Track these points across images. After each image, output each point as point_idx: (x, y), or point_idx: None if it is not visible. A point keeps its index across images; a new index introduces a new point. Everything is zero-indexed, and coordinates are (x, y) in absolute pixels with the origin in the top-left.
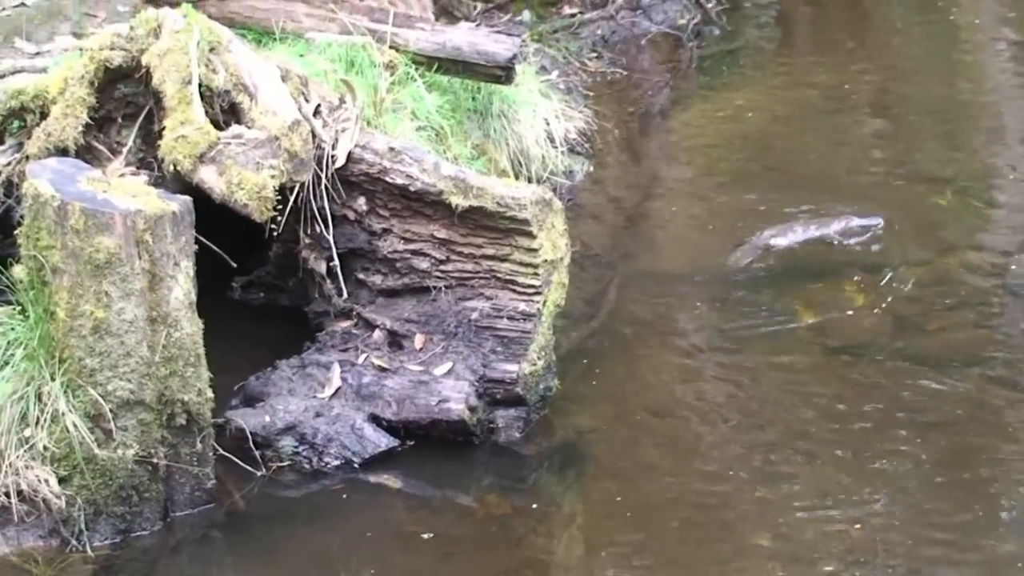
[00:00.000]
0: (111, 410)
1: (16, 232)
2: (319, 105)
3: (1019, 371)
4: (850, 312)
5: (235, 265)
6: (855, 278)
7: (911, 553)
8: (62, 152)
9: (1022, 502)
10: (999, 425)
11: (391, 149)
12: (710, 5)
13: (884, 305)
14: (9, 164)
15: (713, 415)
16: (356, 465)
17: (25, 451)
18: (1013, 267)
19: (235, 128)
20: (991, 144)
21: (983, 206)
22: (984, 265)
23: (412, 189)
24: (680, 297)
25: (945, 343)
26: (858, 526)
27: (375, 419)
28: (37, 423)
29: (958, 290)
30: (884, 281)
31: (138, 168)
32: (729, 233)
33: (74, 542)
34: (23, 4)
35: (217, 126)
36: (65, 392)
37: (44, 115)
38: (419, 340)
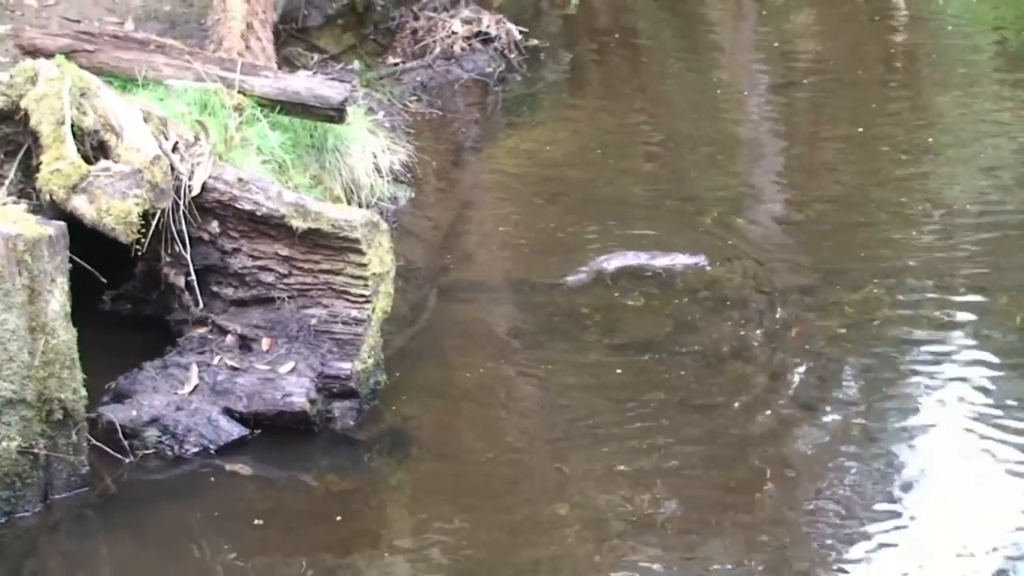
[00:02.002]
0: None
1: None
2: (177, 142)
3: (775, 361)
4: (632, 312)
5: (105, 280)
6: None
7: (686, 517)
8: None
9: (776, 471)
10: (758, 407)
11: (240, 179)
12: (513, 55)
13: (660, 306)
14: None
15: (519, 403)
16: (212, 452)
17: None
18: (765, 274)
19: (103, 162)
20: (749, 171)
21: (743, 223)
22: (745, 273)
23: (258, 213)
24: (490, 303)
25: (713, 339)
26: (642, 495)
27: (228, 412)
28: None
29: (724, 294)
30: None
31: (18, 198)
32: (531, 248)
33: None
34: None
35: (88, 161)
36: None
37: None
38: (266, 343)
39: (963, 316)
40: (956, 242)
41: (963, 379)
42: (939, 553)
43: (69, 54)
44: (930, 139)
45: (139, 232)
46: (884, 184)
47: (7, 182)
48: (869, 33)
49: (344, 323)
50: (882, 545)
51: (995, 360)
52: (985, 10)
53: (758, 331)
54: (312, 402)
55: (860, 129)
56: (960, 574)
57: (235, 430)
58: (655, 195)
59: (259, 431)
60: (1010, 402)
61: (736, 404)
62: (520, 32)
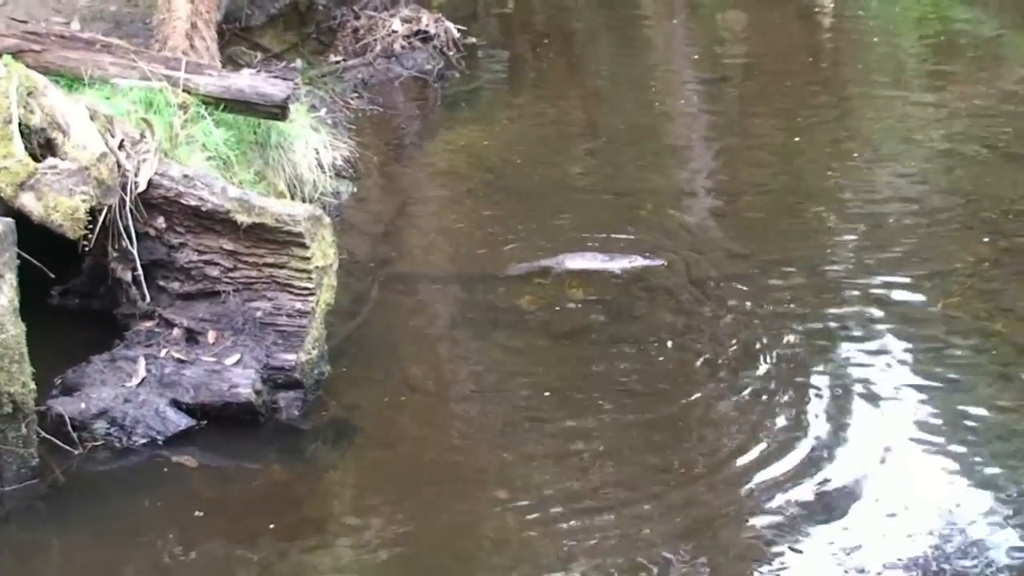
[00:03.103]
0: None
1: None
2: (123, 140)
3: (709, 347)
4: (570, 304)
5: (53, 276)
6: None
7: (624, 500)
8: None
9: (711, 454)
10: (694, 393)
11: (185, 176)
12: (451, 53)
13: (597, 296)
14: None
15: (460, 391)
16: (160, 442)
17: None
18: (699, 264)
19: (51, 160)
20: (682, 164)
21: (677, 214)
22: (678, 263)
23: (204, 209)
24: (431, 294)
25: (647, 327)
26: (582, 480)
27: (176, 403)
28: None
29: (660, 284)
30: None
31: None
32: (470, 240)
33: None
34: None
35: (35, 158)
36: None
37: None
38: (212, 336)
39: (889, 301)
40: (881, 230)
41: (890, 363)
42: (868, 532)
43: (16, 54)
44: (856, 131)
45: (86, 228)
46: (811, 175)
47: None
48: (797, 30)
49: (288, 315)
50: (815, 523)
51: (920, 344)
52: (910, 6)
53: (693, 319)
54: (258, 393)
55: (788, 122)
56: (889, 550)
57: (182, 421)
58: (591, 188)
59: (206, 422)
60: (934, 384)
61: (672, 390)
62: (458, 30)
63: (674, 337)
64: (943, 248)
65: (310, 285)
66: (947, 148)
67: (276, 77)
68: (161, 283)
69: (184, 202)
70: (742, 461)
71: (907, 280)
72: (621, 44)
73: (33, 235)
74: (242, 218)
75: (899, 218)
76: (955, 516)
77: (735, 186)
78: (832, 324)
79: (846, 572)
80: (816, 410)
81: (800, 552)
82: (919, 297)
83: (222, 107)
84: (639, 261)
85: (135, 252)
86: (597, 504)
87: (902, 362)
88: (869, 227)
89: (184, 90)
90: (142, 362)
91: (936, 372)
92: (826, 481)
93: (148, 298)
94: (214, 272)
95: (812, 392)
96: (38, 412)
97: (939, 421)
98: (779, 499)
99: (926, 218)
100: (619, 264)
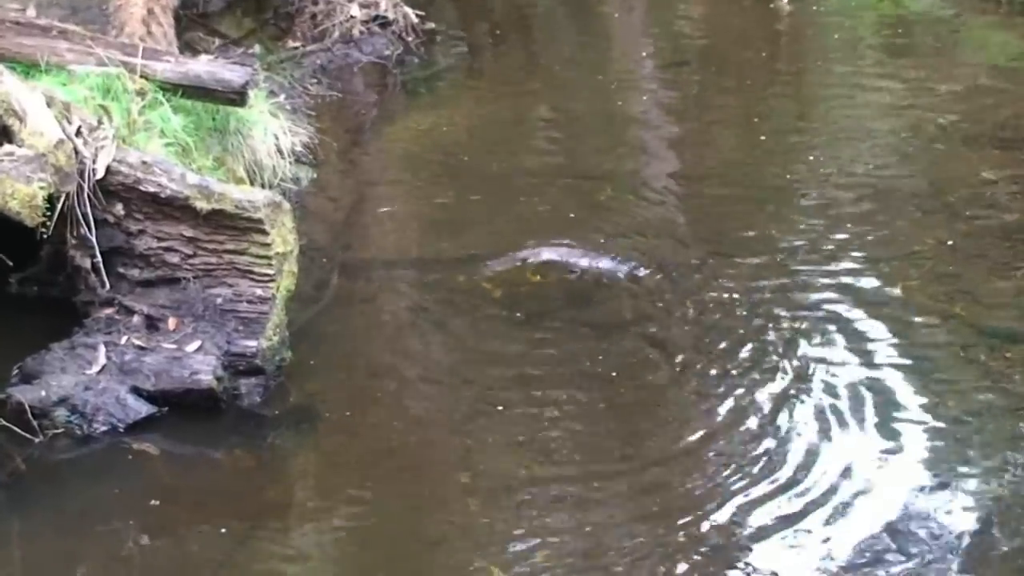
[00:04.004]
0: None
1: None
2: (80, 126)
3: (668, 332)
4: (530, 287)
5: (11, 263)
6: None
7: (585, 484)
8: None
9: (671, 436)
10: (653, 377)
11: (144, 162)
12: (410, 39)
13: (557, 281)
14: None
15: (423, 376)
16: (121, 430)
17: None
18: (659, 249)
19: (7, 147)
20: (640, 150)
21: (634, 200)
22: (639, 247)
23: (163, 196)
24: (392, 280)
25: (608, 312)
26: (544, 464)
27: (136, 390)
28: None
29: (617, 268)
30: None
31: None
32: (431, 226)
33: None
34: None
35: None
36: None
37: None
38: (172, 323)
39: (848, 285)
40: (839, 213)
41: (848, 345)
42: (829, 512)
43: None
44: (814, 116)
45: (44, 215)
46: (769, 159)
47: None
48: (754, 19)
49: (249, 302)
50: (779, 504)
51: (878, 326)
52: None
53: (651, 303)
54: (219, 380)
55: (745, 108)
56: (851, 530)
57: (143, 408)
58: (550, 173)
59: (167, 409)
60: (894, 366)
61: (635, 375)
62: (417, 16)
63: (636, 322)
64: (902, 231)
65: (270, 271)
66: (906, 132)
67: (234, 63)
68: (120, 270)
69: (143, 188)
70: (705, 444)
71: (866, 263)
72: (580, 30)
73: None
74: (201, 204)
75: (858, 202)
76: (912, 496)
77: (694, 171)
78: (792, 308)
79: (810, 551)
80: (776, 393)
81: (765, 534)
82: (878, 280)
83: (180, 93)
84: (608, 263)
85: (94, 239)
86: (561, 488)
87: (862, 345)
88: (828, 211)
89: (142, 76)
90: (102, 349)
91: (895, 355)
92: (787, 463)
93: (107, 285)
94: (174, 259)
95: (772, 375)
96: None
97: (898, 403)
98: (742, 481)
99: (885, 202)
100: (596, 263)
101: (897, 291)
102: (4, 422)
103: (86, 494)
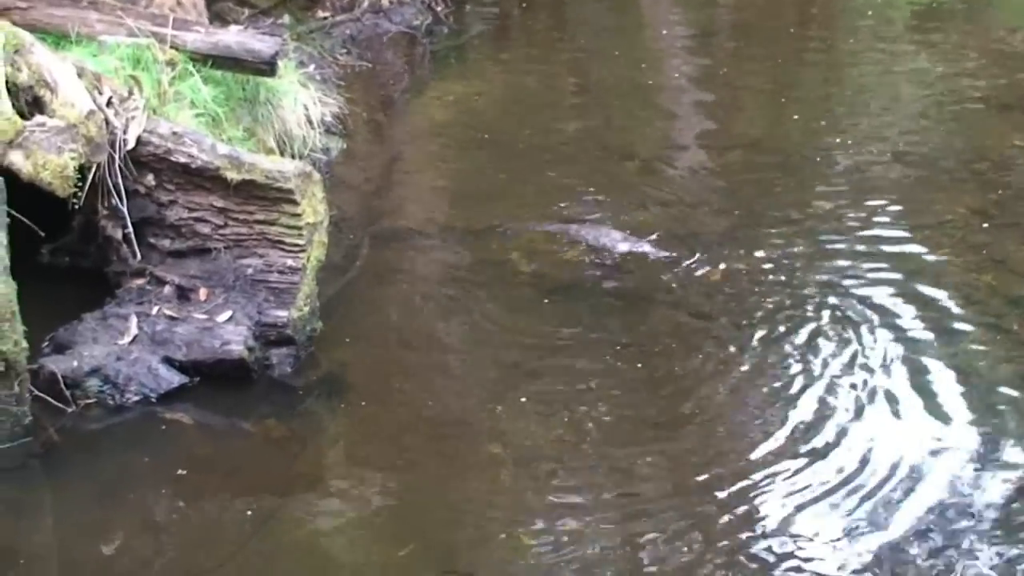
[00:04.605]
0: None
1: None
2: (111, 97)
3: (699, 301)
4: (560, 258)
5: (43, 234)
6: (562, 231)
7: (616, 454)
8: None
9: (701, 407)
10: (683, 347)
11: (174, 133)
12: (439, 8)
13: (587, 251)
14: None
15: (453, 347)
16: (153, 400)
17: None
18: (688, 219)
19: (39, 118)
20: (671, 120)
21: (666, 168)
22: (667, 219)
23: (193, 166)
24: (420, 250)
25: (637, 282)
26: (574, 434)
27: (168, 360)
28: None
29: (647, 237)
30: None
31: None
32: (460, 196)
33: None
34: None
35: (23, 116)
36: None
37: None
38: (203, 293)
39: (879, 255)
40: (869, 182)
41: (879, 315)
42: (859, 480)
43: (2, 12)
44: (845, 86)
45: (76, 186)
46: (799, 128)
47: None
48: None
49: (280, 272)
50: (809, 473)
51: (909, 295)
52: None
53: (682, 273)
54: (250, 350)
55: (775, 77)
56: (877, 499)
57: (175, 378)
58: (581, 143)
59: (198, 379)
60: (925, 337)
61: (662, 344)
62: None
63: (666, 292)
64: (933, 200)
65: (301, 242)
66: (937, 102)
67: (264, 33)
68: (151, 241)
69: (173, 159)
70: (737, 415)
71: (897, 232)
72: (610, 1)
73: (22, 193)
74: (232, 175)
75: (888, 170)
76: (944, 465)
77: (724, 141)
78: (822, 278)
79: (840, 520)
80: (808, 363)
81: (799, 502)
82: (909, 249)
83: (210, 64)
84: (646, 247)
85: (125, 210)
86: (591, 458)
87: (893, 316)
88: (859, 180)
89: (172, 47)
90: (134, 320)
91: (927, 324)
92: (818, 432)
93: (139, 256)
94: (204, 229)
95: (804, 345)
96: (30, 370)
97: (930, 373)
98: (771, 449)
99: (916, 171)
100: (630, 246)
101: (928, 260)
102: (37, 392)
103: (118, 464)
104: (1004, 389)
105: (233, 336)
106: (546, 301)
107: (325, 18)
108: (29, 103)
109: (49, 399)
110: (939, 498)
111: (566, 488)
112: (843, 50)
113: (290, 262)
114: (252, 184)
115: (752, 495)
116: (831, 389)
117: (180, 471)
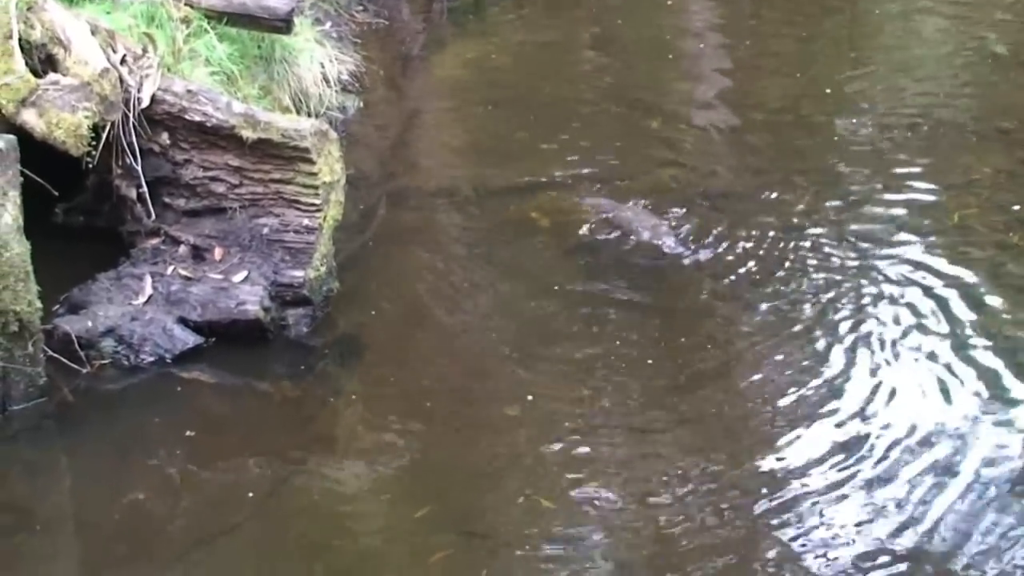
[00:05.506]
0: None
1: None
2: (125, 55)
3: (720, 262)
4: (580, 217)
5: (57, 193)
6: (582, 191)
7: (637, 415)
8: None
9: (725, 368)
10: (704, 307)
11: (189, 91)
12: None
13: (608, 209)
14: None
15: (471, 307)
16: (168, 360)
17: None
18: (712, 179)
19: (52, 76)
20: (692, 78)
21: (687, 128)
22: (690, 178)
23: (208, 125)
24: (438, 209)
25: (660, 243)
26: (594, 395)
27: (183, 321)
28: None
29: (669, 197)
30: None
31: None
32: (479, 154)
33: None
34: None
35: (36, 74)
36: None
37: None
38: (219, 253)
39: (905, 214)
40: (894, 141)
41: (904, 275)
42: (879, 440)
43: None
44: (866, 43)
45: (90, 145)
46: (823, 87)
47: None
48: None
49: (296, 232)
50: (833, 433)
51: (936, 255)
52: None
53: (707, 234)
54: (266, 310)
55: (798, 34)
56: (901, 462)
57: (190, 339)
58: (600, 101)
59: (214, 340)
60: (950, 297)
61: (683, 305)
62: None
63: (688, 253)
64: (960, 159)
65: (317, 201)
66: (964, 59)
67: None
68: (166, 200)
69: (188, 118)
70: (757, 374)
71: (923, 192)
72: None
73: (36, 152)
74: (247, 133)
75: (914, 129)
76: (968, 425)
77: (748, 98)
78: (846, 239)
79: (869, 483)
80: (831, 323)
81: (820, 464)
82: (935, 209)
83: (225, 21)
84: (665, 236)
85: (139, 169)
86: (611, 420)
87: (918, 274)
88: (883, 139)
89: (186, 4)
90: (148, 280)
91: (952, 285)
92: (842, 392)
93: (153, 215)
94: (220, 188)
95: (828, 306)
96: (44, 331)
97: (956, 334)
98: (799, 412)
99: (942, 129)
100: (652, 206)
101: (954, 220)
102: (51, 353)
103: (133, 425)
104: None
105: (249, 296)
106: (566, 261)
107: None
108: (42, 61)
109: (63, 360)
110: (967, 457)
111: (587, 450)
112: (867, 6)
113: (306, 221)
114: (268, 143)
115: (775, 457)
116: (857, 351)
117: (195, 432)
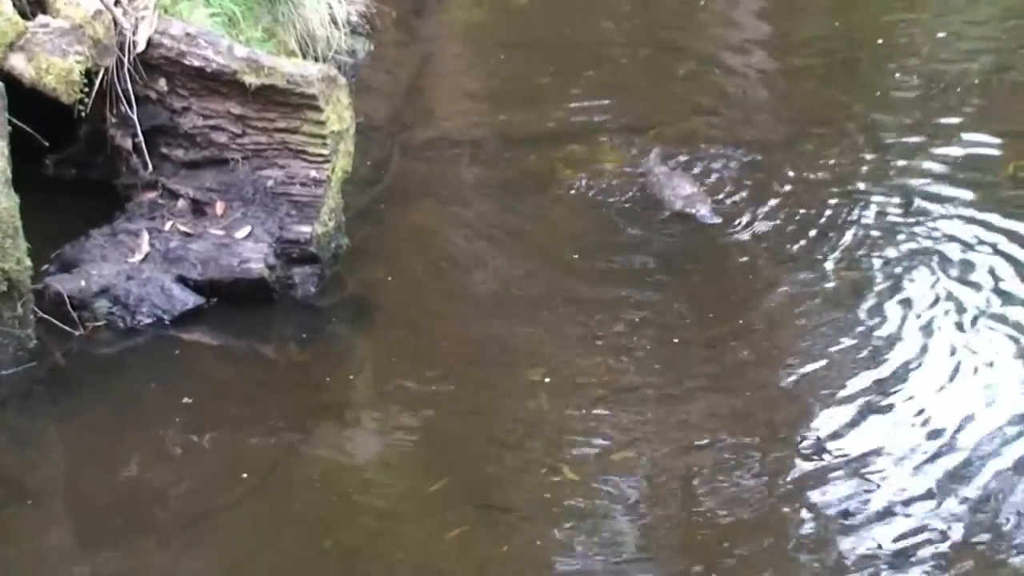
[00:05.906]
0: None
1: None
2: None
3: (755, 216)
4: (605, 168)
5: (48, 144)
6: (609, 140)
7: (664, 380)
8: None
9: (758, 335)
10: (738, 266)
11: (187, 34)
12: None
13: (636, 161)
14: None
15: (487, 264)
16: (167, 322)
17: None
18: (743, 127)
19: (42, 18)
20: (726, 20)
21: (720, 72)
22: (720, 125)
23: (208, 70)
24: (454, 161)
25: (687, 196)
26: (619, 359)
27: (182, 280)
28: None
29: (699, 149)
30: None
31: None
32: (497, 101)
33: None
34: None
35: (24, 17)
36: None
37: None
38: (220, 207)
39: (955, 165)
40: (945, 88)
41: (957, 229)
42: (927, 408)
43: None
44: None
45: (82, 92)
46: (868, 30)
47: None
48: None
49: (302, 184)
50: (866, 406)
51: (984, 207)
52: None
53: (738, 187)
54: (271, 268)
55: None
56: (938, 434)
57: (190, 299)
58: (628, 44)
59: (215, 300)
60: (998, 246)
61: (715, 264)
62: None
63: (718, 206)
64: (1013, 107)
65: (325, 151)
66: (1008, 4)
67: None
68: (164, 151)
69: (187, 62)
70: (790, 340)
71: (975, 141)
72: None
73: (25, 100)
74: (250, 79)
75: (964, 76)
76: (1009, 391)
77: (784, 42)
78: (887, 190)
79: (911, 450)
80: (874, 280)
81: (849, 434)
82: (983, 160)
83: None
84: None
85: (135, 117)
86: (636, 384)
87: (966, 228)
88: (932, 85)
89: None
90: (145, 236)
91: (1002, 237)
92: (887, 357)
93: (150, 167)
94: (221, 138)
95: (870, 261)
96: (34, 290)
97: (1004, 292)
98: (829, 376)
99: (994, 75)
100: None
101: (1008, 170)
102: (42, 314)
103: (130, 390)
104: None
105: (252, 253)
106: (590, 215)
107: None
108: (31, 3)
109: (55, 321)
110: (1001, 425)
111: (611, 416)
112: None
113: (313, 173)
114: (272, 89)
115: (803, 424)
116: (905, 313)
117: (195, 399)
